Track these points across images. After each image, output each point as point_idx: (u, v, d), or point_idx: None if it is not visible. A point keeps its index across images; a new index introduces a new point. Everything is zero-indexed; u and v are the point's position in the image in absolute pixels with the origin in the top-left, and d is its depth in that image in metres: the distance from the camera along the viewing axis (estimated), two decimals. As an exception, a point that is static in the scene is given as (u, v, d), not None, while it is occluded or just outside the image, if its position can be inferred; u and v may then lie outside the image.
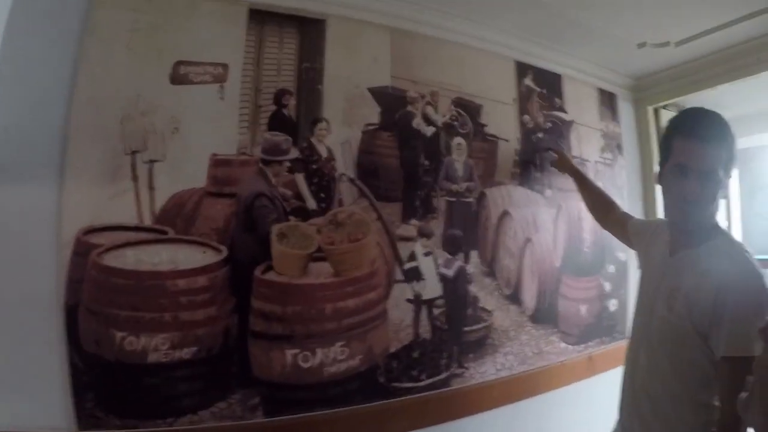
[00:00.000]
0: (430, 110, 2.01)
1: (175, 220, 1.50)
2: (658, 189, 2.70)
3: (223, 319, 1.52)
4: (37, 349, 1.32)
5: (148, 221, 1.47)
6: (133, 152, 1.45)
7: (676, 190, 1.21)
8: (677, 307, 1.19)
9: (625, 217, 1.72)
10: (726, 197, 1.25)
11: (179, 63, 1.52)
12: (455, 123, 2.08)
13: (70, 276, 1.36)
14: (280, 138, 1.66)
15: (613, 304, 2.56)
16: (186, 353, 1.45)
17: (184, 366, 1.45)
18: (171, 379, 1.44)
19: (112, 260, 1.41)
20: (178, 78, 1.52)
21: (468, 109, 2.12)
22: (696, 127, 1.19)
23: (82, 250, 1.37)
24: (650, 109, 2.87)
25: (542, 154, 2.33)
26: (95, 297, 1.38)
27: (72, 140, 1.37)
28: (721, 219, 1.27)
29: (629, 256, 2.66)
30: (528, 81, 2.36)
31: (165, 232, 1.49)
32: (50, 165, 1.35)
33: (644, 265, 1.49)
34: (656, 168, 1.35)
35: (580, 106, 2.57)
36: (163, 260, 1.46)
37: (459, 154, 2.08)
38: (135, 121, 1.45)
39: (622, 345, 2.51)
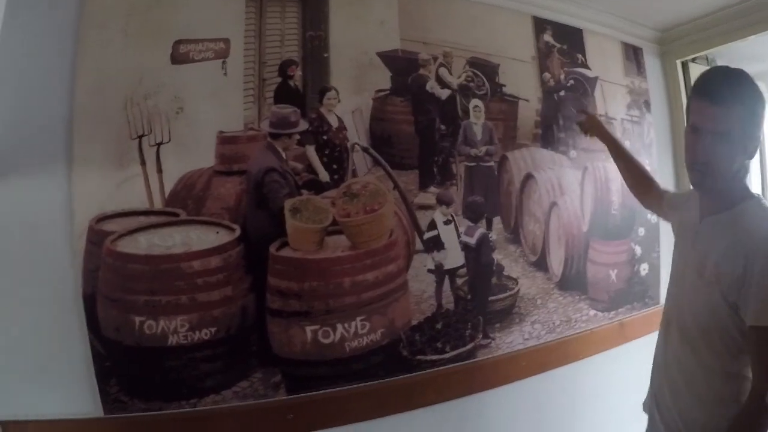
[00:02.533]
0: (443, 72, 1.92)
1: (185, 202, 1.48)
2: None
3: (239, 299, 1.50)
4: (60, 338, 1.33)
5: (158, 205, 1.45)
6: (139, 136, 1.42)
7: (689, 150, 1.18)
8: (707, 274, 1.15)
9: (662, 192, 1.64)
10: (751, 157, 1.17)
11: (179, 42, 1.48)
12: (471, 84, 1.99)
13: (86, 265, 1.36)
14: (288, 110, 1.61)
15: (644, 269, 2.47)
16: (205, 334, 1.45)
17: (204, 347, 1.45)
18: (192, 361, 1.44)
19: (126, 246, 1.40)
20: (179, 57, 1.48)
21: (484, 69, 2.03)
22: (709, 86, 1.14)
23: (96, 239, 1.37)
24: (678, 63, 2.69)
25: (568, 117, 2.22)
26: (112, 284, 1.38)
27: (77, 129, 1.35)
28: (753, 182, 1.19)
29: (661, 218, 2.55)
30: (547, 37, 2.24)
31: (176, 215, 1.47)
32: (58, 156, 1.34)
33: (678, 234, 1.43)
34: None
35: (604, 62, 2.43)
36: (176, 243, 1.44)
37: (477, 116, 1.99)
38: (138, 105, 1.42)
39: (654, 311, 2.43)
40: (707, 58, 2.75)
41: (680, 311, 1.25)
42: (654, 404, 1.36)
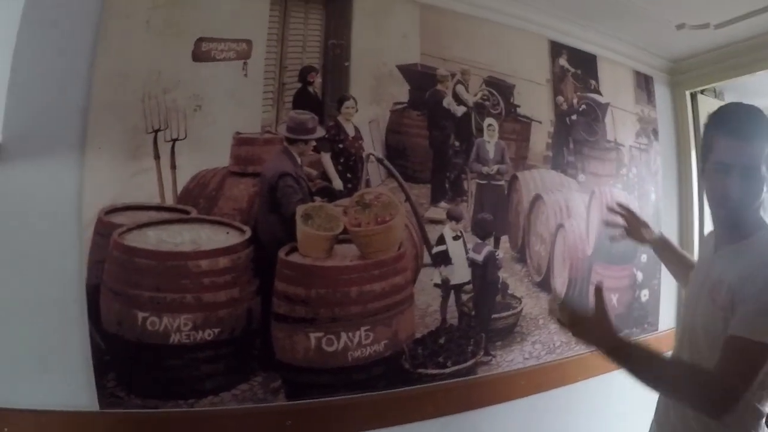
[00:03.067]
0: (460, 89, 1.93)
1: (197, 200, 1.47)
2: (695, 178, 2.64)
3: (245, 301, 1.49)
4: (60, 329, 1.31)
5: (170, 201, 1.44)
6: (155, 130, 1.42)
7: (719, 188, 1.18)
8: (720, 299, 1.15)
9: None
10: None
11: (201, 39, 1.48)
12: (487, 103, 2.00)
13: (91, 256, 1.34)
14: (306, 116, 1.61)
15: (644, 295, 2.47)
16: (208, 334, 1.43)
17: (206, 347, 1.43)
18: (193, 361, 1.42)
19: (134, 240, 1.38)
20: (200, 55, 1.48)
21: (500, 88, 2.04)
22: (737, 124, 1.15)
23: (104, 230, 1.35)
24: (687, 94, 2.73)
25: (578, 141, 2.24)
26: (117, 277, 1.36)
27: (93, 119, 1.34)
28: (765, 213, 1.24)
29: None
30: (562, 61, 2.26)
31: (187, 212, 1.46)
32: (72, 144, 1.33)
33: (695, 270, 1.42)
34: (697, 163, 1.31)
35: (615, 89, 2.46)
36: (185, 240, 1.43)
37: (490, 135, 2.01)
38: (156, 99, 1.41)
39: (653, 337, 2.43)
40: (715, 91, 2.80)
41: (694, 337, 1.25)
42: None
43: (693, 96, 2.73)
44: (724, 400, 1.00)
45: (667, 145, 2.69)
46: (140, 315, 1.37)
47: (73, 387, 1.31)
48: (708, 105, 2.72)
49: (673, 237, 2.61)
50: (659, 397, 1.38)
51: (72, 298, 1.32)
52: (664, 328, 2.54)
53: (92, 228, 1.34)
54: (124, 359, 1.36)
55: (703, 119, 2.65)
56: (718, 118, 1.22)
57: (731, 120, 1.17)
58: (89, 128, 1.33)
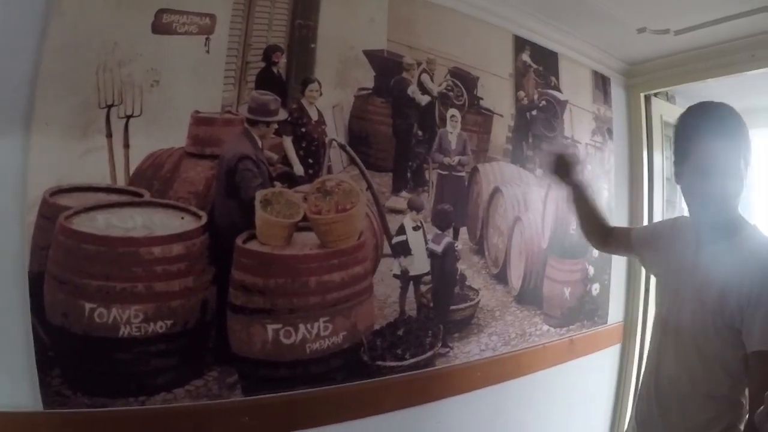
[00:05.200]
0: (426, 78, 1.91)
1: (151, 182, 1.37)
2: (646, 176, 2.74)
3: (200, 291, 1.41)
4: (-2, 321, 1.19)
5: (121, 182, 1.33)
6: (108, 106, 1.30)
7: (700, 190, 1.19)
8: (709, 302, 1.16)
9: (625, 231, 1.67)
10: (748, 187, 1.21)
11: (162, 11, 1.37)
12: (451, 93, 1.99)
13: (35, 241, 1.22)
14: (269, 97, 1.54)
15: (595, 289, 2.55)
16: (160, 327, 1.34)
17: (158, 340, 1.34)
18: (144, 355, 1.33)
19: (82, 224, 1.27)
20: (160, 27, 1.37)
21: (464, 80, 2.03)
22: (714, 126, 1.16)
23: (49, 213, 1.23)
24: (642, 96, 2.84)
25: (537, 135, 2.27)
26: (63, 264, 1.25)
27: (41, 91, 1.21)
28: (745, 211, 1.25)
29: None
30: (525, 56, 2.28)
31: (140, 195, 1.35)
32: (16, 117, 1.19)
33: (664, 265, 1.43)
34: (675, 167, 1.31)
35: (574, 87, 2.52)
36: (137, 225, 1.33)
37: (453, 126, 2.00)
38: (111, 72, 1.30)
39: (602, 330, 2.52)
40: (667, 95, 2.91)
41: (678, 341, 1.25)
42: None
43: (647, 98, 2.84)
44: None
45: (620, 144, 2.78)
46: (88, 306, 1.26)
47: (13, 385, 1.19)
48: (660, 108, 2.83)
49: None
50: (639, 399, 1.40)
51: (12, 288, 1.19)
52: (612, 321, 2.64)
53: (36, 210, 1.22)
54: (69, 354, 1.25)
55: (656, 120, 2.77)
56: (693, 120, 1.21)
57: (707, 122, 1.17)
58: (37, 101, 1.20)
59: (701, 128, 1.18)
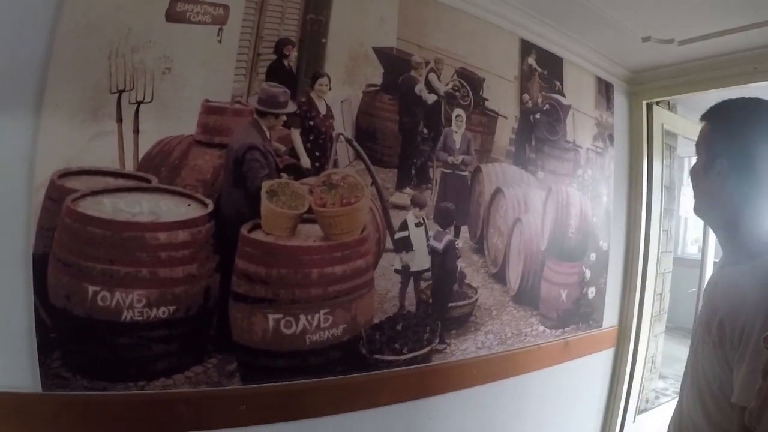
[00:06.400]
0: (433, 77, 1.92)
1: (159, 168, 1.38)
2: (645, 183, 2.77)
3: (204, 278, 1.42)
4: (0, 301, 1.19)
5: (130, 167, 1.33)
6: (120, 91, 1.31)
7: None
8: (713, 330, 1.03)
9: None
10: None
11: (176, -1, 1.39)
12: (457, 93, 2.01)
13: (41, 222, 1.22)
14: (279, 89, 1.55)
15: (591, 292, 2.58)
16: (163, 312, 1.35)
17: (159, 326, 1.35)
18: (145, 340, 1.34)
19: (89, 208, 1.28)
20: (174, 15, 1.38)
21: (471, 81, 2.05)
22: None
23: (57, 195, 1.24)
24: (644, 104, 2.87)
25: (540, 138, 2.28)
26: (68, 247, 1.26)
27: (53, 73, 1.21)
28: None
29: (611, 246, 2.67)
30: (531, 60, 2.30)
31: (148, 181, 1.36)
32: (27, 99, 1.20)
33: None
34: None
35: (578, 92, 2.54)
36: (143, 211, 1.34)
37: (458, 125, 2.01)
38: (124, 58, 1.31)
39: (597, 333, 2.55)
40: (669, 104, 2.94)
41: (695, 364, 1.15)
42: None
43: (649, 106, 2.87)
44: None
45: (621, 150, 2.80)
46: (91, 289, 1.26)
47: (13, 366, 1.19)
48: (662, 116, 2.86)
49: (620, 238, 2.74)
50: (672, 416, 1.27)
51: (16, 268, 1.19)
52: (607, 325, 2.67)
53: (43, 192, 1.22)
54: (71, 337, 1.25)
55: (657, 128, 2.79)
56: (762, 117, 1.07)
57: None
58: (48, 83, 1.20)
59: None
